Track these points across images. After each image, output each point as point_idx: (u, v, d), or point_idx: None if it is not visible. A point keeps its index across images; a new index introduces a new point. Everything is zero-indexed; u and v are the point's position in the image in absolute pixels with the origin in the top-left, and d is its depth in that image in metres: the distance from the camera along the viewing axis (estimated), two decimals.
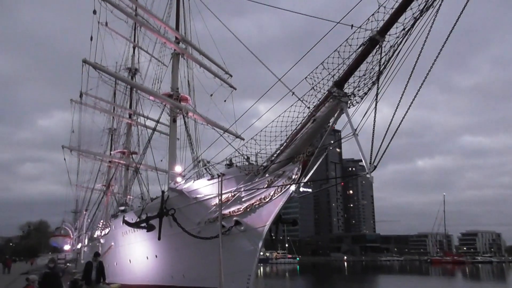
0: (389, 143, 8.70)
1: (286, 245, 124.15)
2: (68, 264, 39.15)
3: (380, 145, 8.83)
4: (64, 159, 35.34)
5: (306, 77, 10.23)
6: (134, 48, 38.22)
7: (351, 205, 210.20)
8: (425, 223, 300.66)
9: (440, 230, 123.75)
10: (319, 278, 50.55)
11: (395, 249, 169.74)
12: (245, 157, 13.48)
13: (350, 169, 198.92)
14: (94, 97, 35.10)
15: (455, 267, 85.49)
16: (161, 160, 29.02)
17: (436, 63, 8.63)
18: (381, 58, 9.04)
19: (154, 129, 26.63)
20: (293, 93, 11.68)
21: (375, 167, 9.00)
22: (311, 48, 10.82)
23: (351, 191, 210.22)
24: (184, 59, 24.70)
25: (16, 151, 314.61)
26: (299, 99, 11.22)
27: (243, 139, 22.84)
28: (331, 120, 10.80)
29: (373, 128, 9.12)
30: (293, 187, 12.09)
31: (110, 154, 40.99)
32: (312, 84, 10.22)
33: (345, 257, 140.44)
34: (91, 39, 20.97)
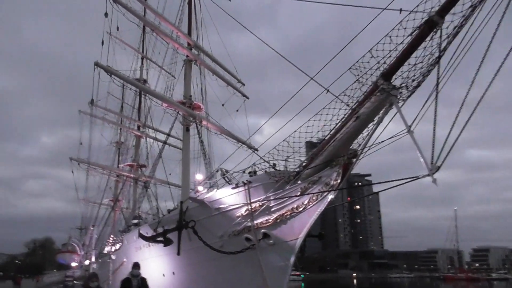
0: (457, 138, 7.46)
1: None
2: (75, 281, 37.82)
3: (445, 142, 7.60)
4: (72, 172, 34.33)
5: (350, 68, 9.09)
6: (142, 59, 37.52)
7: (358, 220, 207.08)
8: (433, 238, 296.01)
9: (450, 246, 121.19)
10: None
11: (404, 265, 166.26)
12: (271, 163, 12.28)
13: (356, 183, 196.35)
14: (104, 108, 34.33)
15: (469, 285, 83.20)
16: (170, 174, 28.04)
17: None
18: (441, 42, 7.88)
19: (165, 142, 25.73)
20: (328, 90, 10.53)
21: (438, 167, 7.74)
22: (352, 38, 9.71)
23: (357, 206, 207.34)
24: (196, 66, 23.80)
25: (20, 167, 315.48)
26: (336, 97, 10.06)
27: (257, 150, 21.79)
28: (376, 117, 9.58)
29: (434, 122, 7.93)
30: (331, 195, 10.85)
31: (118, 167, 39.92)
32: (358, 75, 9.07)
33: (354, 274, 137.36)
34: (102, 43, 20.07)
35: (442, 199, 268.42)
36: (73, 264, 50.51)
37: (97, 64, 16.40)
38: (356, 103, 9.61)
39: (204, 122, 22.53)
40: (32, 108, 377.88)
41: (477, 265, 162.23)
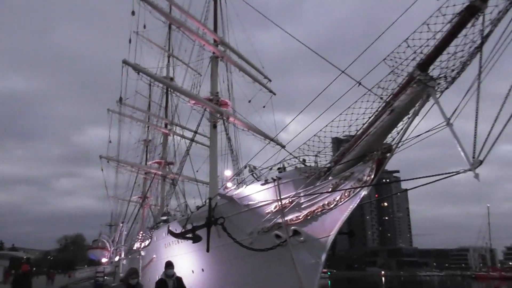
0: (502, 130, 7.03)
1: None
2: (106, 277, 38.53)
3: (488, 135, 7.17)
4: (102, 169, 34.98)
5: (384, 59, 8.73)
6: (168, 57, 37.76)
7: (386, 217, 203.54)
8: (463, 236, 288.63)
9: (482, 244, 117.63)
10: None
11: (434, 263, 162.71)
12: (301, 159, 12.04)
13: (383, 180, 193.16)
14: (132, 107, 34.81)
15: (502, 283, 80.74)
16: (197, 171, 28.22)
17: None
18: (483, 28, 7.45)
19: (192, 140, 25.82)
20: (359, 83, 10.19)
21: (481, 162, 7.32)
22: (389, 26, 9.31)
23: (385, 203, 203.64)
24: (223, 63, 23.74)
25: (52, 166, 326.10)
26: (369, 90, 9.72)
27: (284, 147, 21.57)
28: (412, 110, 9.17)
29: (476, 113, 7.50)
30: (364, 191, 10.53)
31: (146, 164, 40.45)
32: (392, 66, 8.71)
33: (382, 272, 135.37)
34: (130, 41, 20.25)
35: (473, 196, 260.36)
36: (103, 260, 51.60)
37: (125, 62, 16.51)
38: (390, 95, 9.26)
39: (231, 119, 22.48)
40: (62, 108, 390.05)
41: (510, 263, 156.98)
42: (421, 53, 8.32)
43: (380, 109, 9.47)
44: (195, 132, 25.24)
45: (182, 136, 32.22)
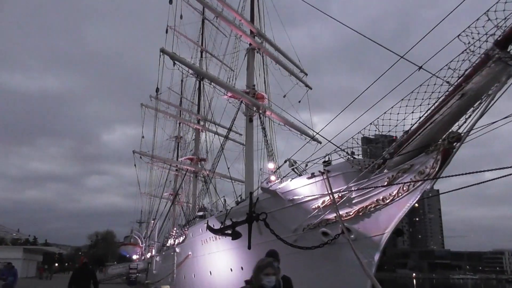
0: None
1: None
2: (138, 274, 38.49)
3: None
4: (135, 165, 35.03)
5: (459, 35, 7.77)
6: (201, 52, 37.42)
7: (417, 219, 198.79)
8: (497, 239, 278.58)
9: None
10: None
11: (467, 266, 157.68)
12: (349, 151, 11.18)
13: None
14: (165, 102, 34.63)
15: None
16: (228, 168, 27.72)
17: None
18: None
19: (226, 137, 25.28)
20: (420, 67, 9.22)
21: None
22: (449, 13, 8.35)
23: (416, 204, 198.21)
24: (259, 55, 23.04)
25: (82, 164, 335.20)
26: (433, 75, 8.73)
27: (320, 142, 20.69)
28: (485, 94, 8.13)
29: None
30: (427, 185, 9.56)
31: (177, 160, 40.28)
32: (468, 43, 7.73)
33: (414, 274, 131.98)
34: (167, 31, 19.88)
35: (506, 198, 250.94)
36: (135, 256, 51.89)
37: (162, 51, 16.14)
38: (461, 77, 8.28)
39: (268, 113, 21.77)
40: (93, 106, 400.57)
41: None
42: (504, 26, 7.33)
43: (448, 92, 8.49)
44: (229, 130, 24.70)
45: (215, 133, 31.75)
